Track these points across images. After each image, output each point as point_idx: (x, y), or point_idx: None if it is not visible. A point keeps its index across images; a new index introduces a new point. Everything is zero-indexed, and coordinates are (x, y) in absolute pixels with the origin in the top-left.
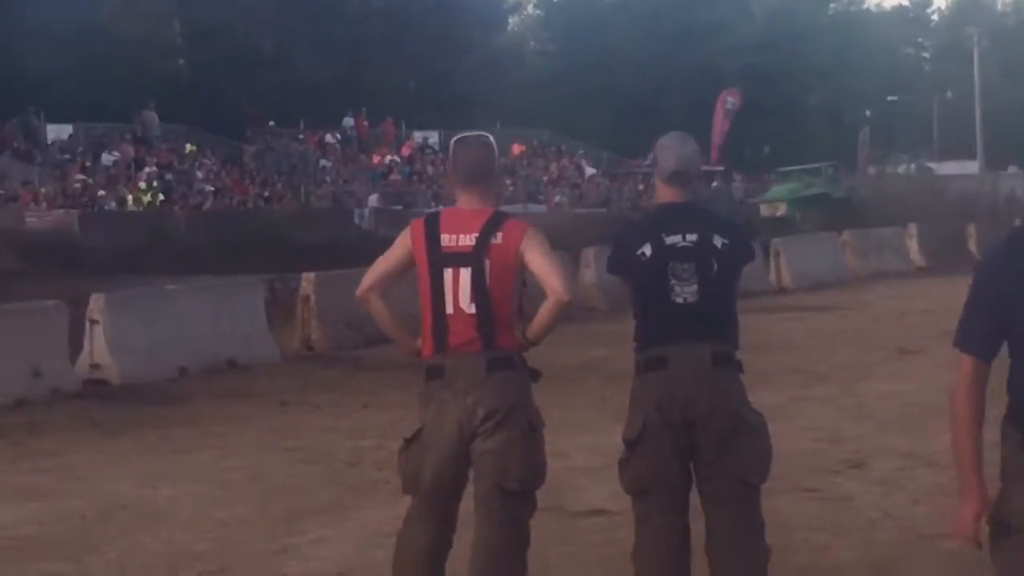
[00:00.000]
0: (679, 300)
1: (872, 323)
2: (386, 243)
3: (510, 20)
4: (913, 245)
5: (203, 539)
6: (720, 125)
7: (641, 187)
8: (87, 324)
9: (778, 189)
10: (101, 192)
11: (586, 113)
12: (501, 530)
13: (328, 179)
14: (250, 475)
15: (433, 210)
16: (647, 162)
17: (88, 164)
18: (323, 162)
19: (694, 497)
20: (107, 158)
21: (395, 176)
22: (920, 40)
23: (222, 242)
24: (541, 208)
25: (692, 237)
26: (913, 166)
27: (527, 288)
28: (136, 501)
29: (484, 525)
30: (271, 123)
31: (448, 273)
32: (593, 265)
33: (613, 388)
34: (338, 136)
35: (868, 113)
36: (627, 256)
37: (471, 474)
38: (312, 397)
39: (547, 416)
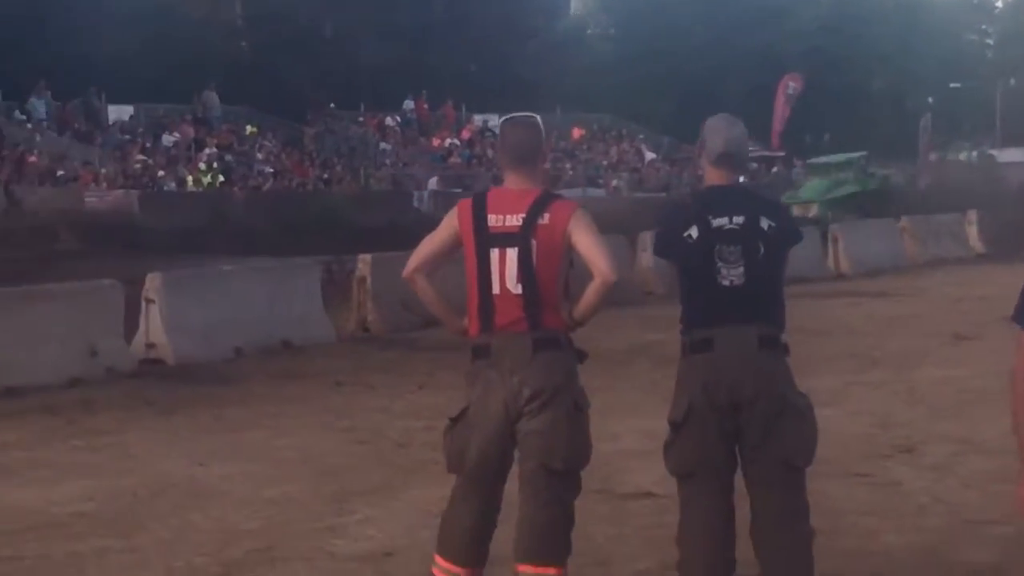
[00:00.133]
0: (725, 283)
1: (929, 309)
2: None
3: (572, 4)
4: (973, 232)
5: (252, 518)
6: (781, 111)
7: (701, 172)
8: (143, 303)
9: (809, 187)
10: (161, 173)
11: (647, 98)
12: (546, 510)
13: (388, 162)
14: (301, 455)
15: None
16: None
17: (148, 145)
18: (383, 145)
19: (739, 480)
20: (167, 139)
21: (455, 159)
22: (984, 27)
23: (281, 224)
24: (600, 192)
25: (739, 219)
26: (975, 153)
27: (574, 269)
28: (187, 479)
29: (529, 505)
30: (332, 105)
31: (495, 253)
32: (650, 249)
33: (665, 371)
34: (398, 119)
35: (930, 100)
36: (674, 238)
37: (516, 454)
38: (366, 378)
39: (598, 399)
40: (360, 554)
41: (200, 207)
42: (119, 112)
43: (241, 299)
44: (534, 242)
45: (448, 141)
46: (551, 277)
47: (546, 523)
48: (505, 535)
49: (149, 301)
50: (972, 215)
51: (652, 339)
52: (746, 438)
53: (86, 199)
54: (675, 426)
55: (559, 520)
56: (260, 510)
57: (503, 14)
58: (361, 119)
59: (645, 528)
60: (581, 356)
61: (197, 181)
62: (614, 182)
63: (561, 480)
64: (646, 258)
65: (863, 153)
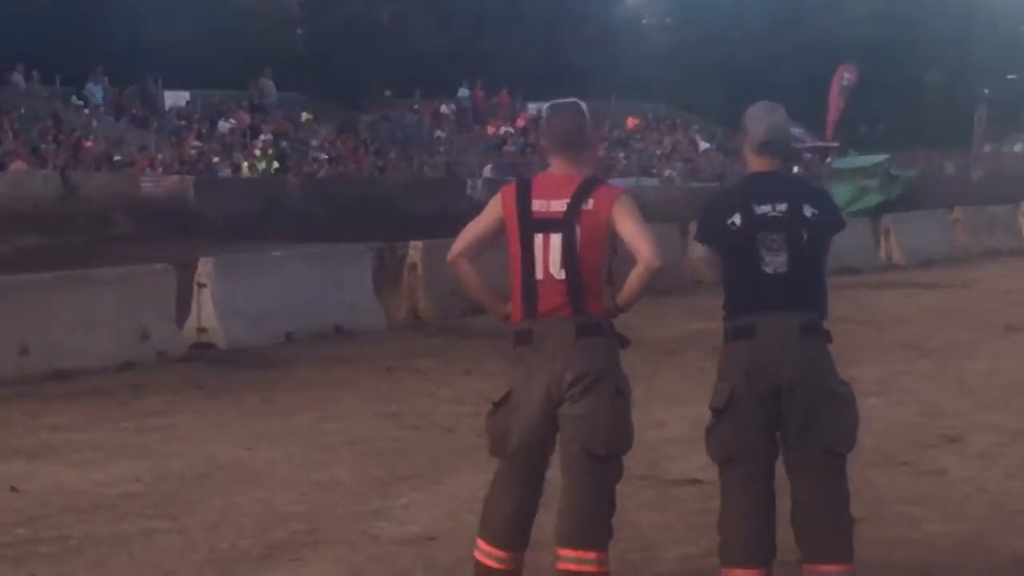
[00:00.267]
0: (768, 270)
1: (980, 300)
2: None
3: None
4: None
5: (297, 500)
6: (835, 101)
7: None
8: (195, 288)
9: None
10: (216, 159)
11: (701, 87)
12: (588, 495)
13: (442, 149)
14: (348, 438)
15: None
16: None
17: (204, 131)
18: (437, 132)
19: (781, 466)
20: (223, 125)
21: (509, 147)
22: None
23: (335, 210)
24: (654, 182)
25: (782, 207)
26: None
27: (617, 255)
28: (234, 462)
29: (571, 490)
30: (387, 93)
31: (538, 239)
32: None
33: (713, 360)
34: (453, 106)
35: (986, 91)
36: (717, 225)
37: (558, 439)
38: (415, 363)
39: (645, 386)
40: (403, 538)
41: (255, 193)
42: (175, 98)
43: (292, 284)
44: (578, 228)
45: (503, 129)
46: (594, 263)
47: (588, 508)
48: (547, 520)
49: (201, 286)
50: None
51: (700, 328)
52: (787, 425)
53: (142, 184)
54: (716, 412)
55: (601, 505)
56: (306, 493)
57: (558, 2)
58: (416, 106)
59: (689, 514)
60: (623, 342)
61: (252, 167)
62: (667, 172)
63: (603, 465)
64: (696, 247)
65: (887, 156)
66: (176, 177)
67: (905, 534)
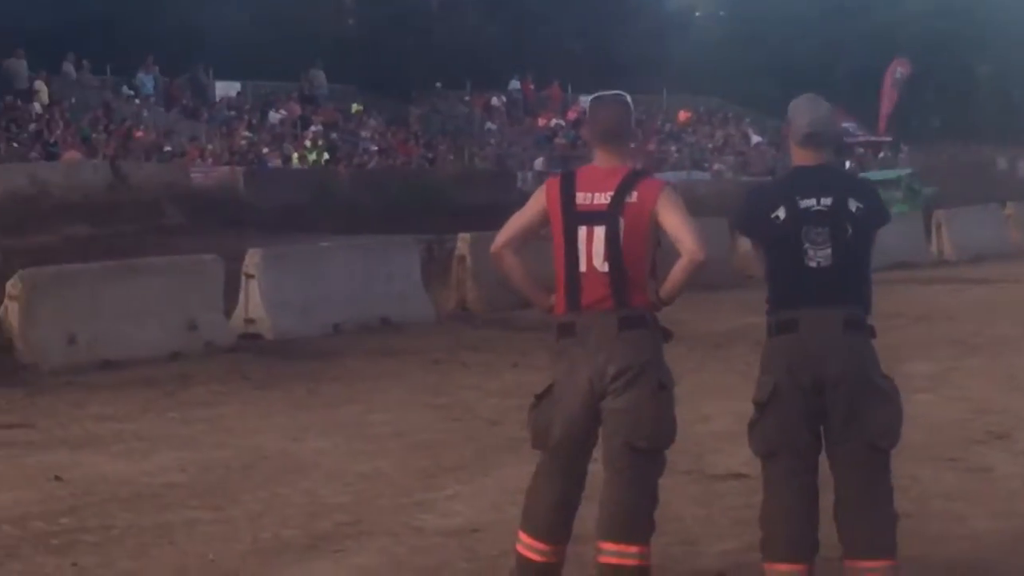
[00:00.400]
0: (812, 264)
1: None
2: None
3: None
4: None
5: (342, 491)
6: (889, 95)
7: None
8: (243, 279)
9: None
10: (266, 149)
11: (754, 80)
12: (630, 489)
13: (492, 141)
14: (394, 430)
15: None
16: None
17: (255, 122)
18: (488, 124)
19: (824, 461)
20: (274, 116)
21: (560, 140)
22: None
23: (385, 202)
24: (705, 175)
25: (827, 201)
26: None
27: (661, 248)
28: (279, 453)
29: (613, 483)
30: (438, 84)
31: (582, 231)
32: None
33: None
34: (504, 99)
35: None
36: (760, 218)
37: (600, 432)
38: (463, 356)
39: (692, 381)
40: (447, 529)
41: (304, 184)
42: (226, 88)
43: (340, 276)
44: (622, 220)
45: (553, 122)
46: (638, 255)
47: (630, 501)
48: (589, 513)
49: (249, 276)
50: None
51: (749, 322)
52: (830, 419)
53: (192, 175)
54: (759, 406)
55: (643, 499)
56: (350, 484)
57: None
58: (467, 98)
59: (734, 509)
60: (667, 335)
61: (302, 158)
62: (716, 165)
63: (645, 459)
64: (745, 241)
65: (910, 170)
66: (226, 168)
67: (950, 530)
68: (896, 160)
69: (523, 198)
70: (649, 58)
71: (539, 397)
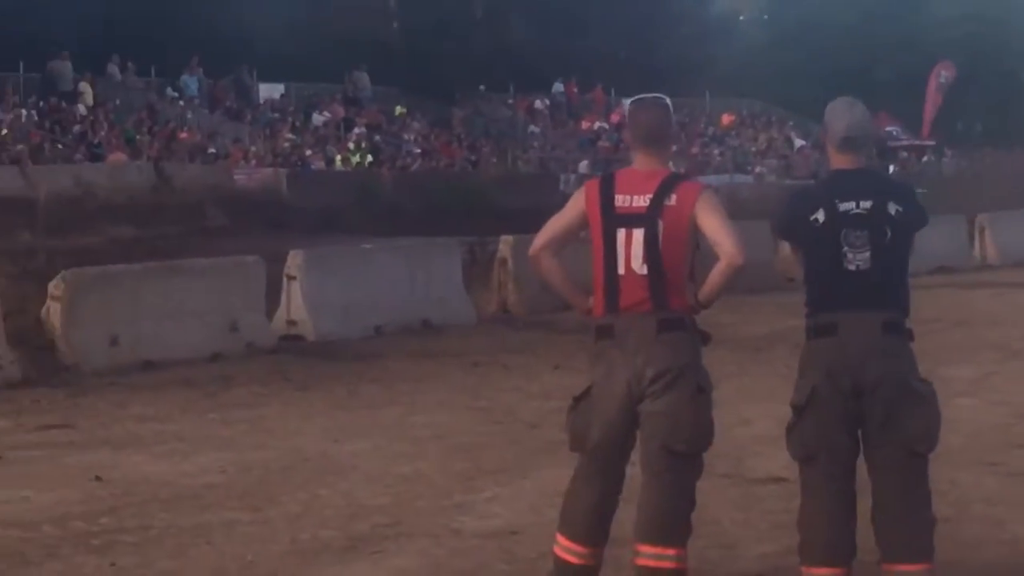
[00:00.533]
0: (851, 267)
1: None
2: None
3: None
4: None
5: (381, 493)
6: (932, 99)
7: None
8: (285, 280)
9: None
10: (309, 152)
11: (798, 83)
12: (667, 492)
13: (535, 144)
14: (434, 432)
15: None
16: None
17: (298, 124)
18: (531, 127)
19: (861, 465)
20: (317, 118)
21: (603, 142)
22: None
23: (427, 204)
24: (748, 179)
25: (866, 204)
26: None
27: (700, 251)
28: (319, 454)
29: (650, 486)
30: (481, 87)
31: (621, 234)
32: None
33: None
34: (547, 102)
35: None
36: (799, 222)
37: (638, 435)
38: (504, 358)
39: (733, 384)
40: (485, 532)
41: (347, 186)
42: (270, 90)
43: (382, 278)
44: (661, 223)
45: (596, 124)
46: (677, 258)
47: (667, 504)
48: (627, 515)
49: (291, 278)
50: None
51: (790, 325)
52: (868, 423)
53: (235, 176)
54: (798, 410)
55: (680, 502)
56: (389, 486)
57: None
58: (510, 101)
59: (773, 513)
60: (705, 338)
61: (346, 160)
62: (757, 169)
63: (683, 462)
64: (786, 245)
65: (922, 190)
66: (269, 170)
67: (989, 535)
68: (941, 164)
69: (566, 201)
70: (692, 61)
71: (577, 399)
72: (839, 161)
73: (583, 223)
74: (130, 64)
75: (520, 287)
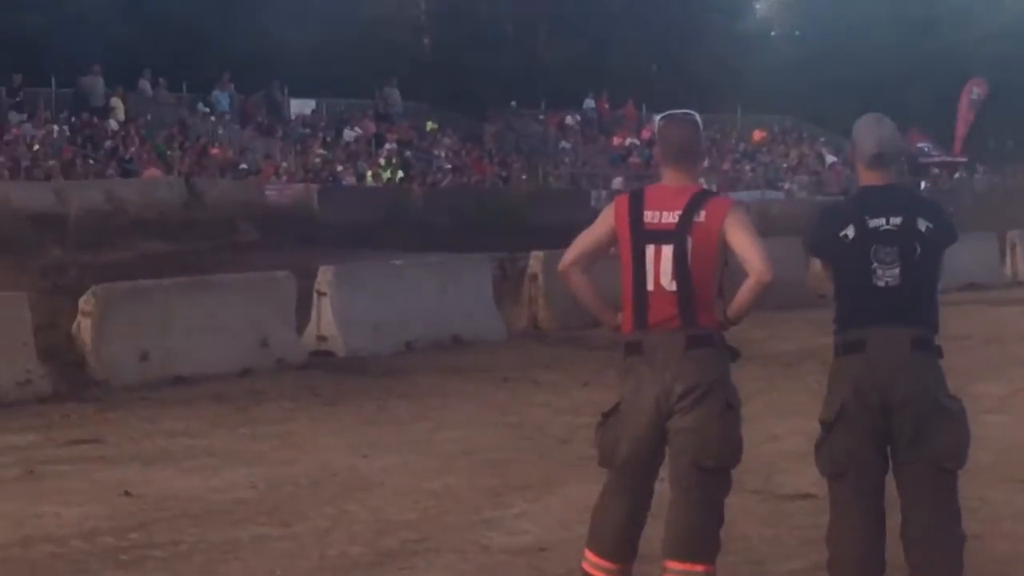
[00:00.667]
0: (881, 283)
1: None
2: None
3: (758, 6)
4: None
5: (410, 509)
6: (965, 116)
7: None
8: (315, 296)
9: None
10: (340, 167)
11: (829, 100)
12: (696, 508)
13: (567, 160)
14: (463, 448)
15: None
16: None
17: (329, 139)
18: (562, 143)
19: (890, 481)
20: (349, 134)
21: (634, 158)
22: None
23: (459, 220)
24: (779, 195)
25: (896, 220)
26: None
27: (728, 267)
28: (348, 470)
29: (679, 502)
30: (512, 103)
31: (650, 250)
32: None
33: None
34: (578, 117)
35: None
36: (829, 238)
37: (667, 451)
38: (534, 374)
39: (762, 400)
40: (514, 548)
41: (378, 202)
42: (301, 106)
43: (412, 293)
44: (690, 239)
45: (628, 140)
46: (706, 275)
47: (696, 521)
48: (655, 532)
49: (321, 294)
50: None
51: (821, 342)
52: (897, 440)
53: (266, 192)
54: (826, 426)
55: (709, 518)
56: (418, 501)
57: (685, 14)
58: (541, 117)
59: (801, 529)
60: (734, 354)
61: (377, 176)
62: (787, 185)
63: (712, 478)
64: (817, 261)
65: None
66: (300, 185)
67: (1020, 552)
68: (973, 181)
69: (596, 217)
70: (724, 77)
71: (606, 415)
72: (868, 178)
73: (612, 239)
74: (161, 80)
75: (550, 303)
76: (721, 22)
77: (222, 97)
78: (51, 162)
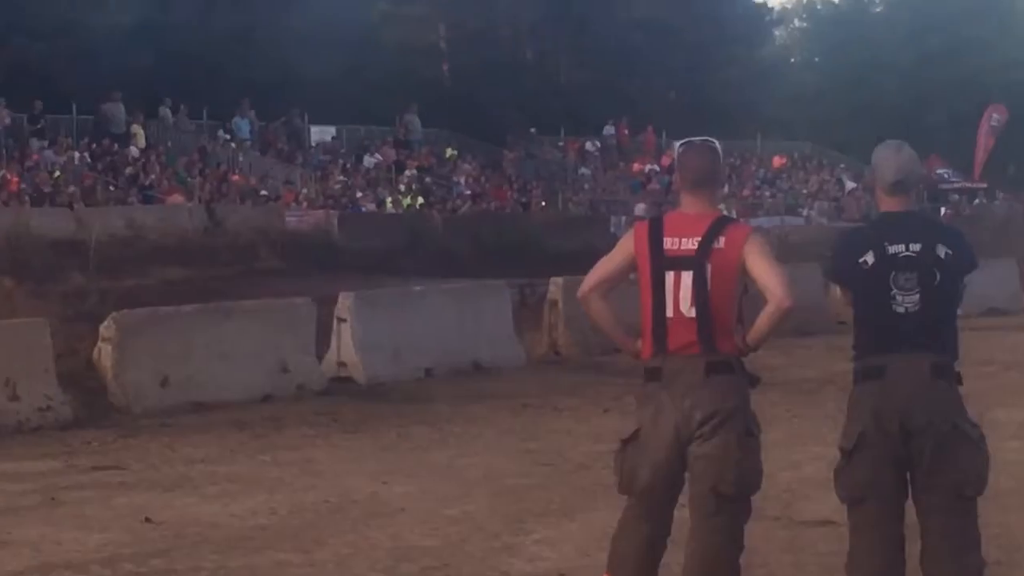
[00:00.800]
0: (900, 310)
1: None
2: None
3: (777, 33)
4: None
5: (430, 535)
6: (984, 141)
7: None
8: (335, 322)
9: None
10: (360, 194)
11: (848, 126)
12: (716, 535)
13: (586, 186)
14: (483, 474)
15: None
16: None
17: (349, 166)
18: (582, 169)
19: (910, 508)
20: (368, 160)
21: (654, 185)
22: None
23: (479, 246)
24: (799, 221)
25: (915, 247)
26: None
27: (748, 294)
28: (369, 496)
29: (699, 529)
30: (532, 130)
31: (670, 276)
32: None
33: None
34: (598, 144)
35: None
36: (848, 264)
37: (687, 477)
38: (554, 400)
39: (783, 427)
40: (534, 574)
41: (398, 229)
42: (321, 133)
43: (432, 320)
44: (709, 266)
45: (647, 167)
46: (725, 301)
47: (716, 547)
48: (675, 559)
49: (341, 320)
50: None
51: (841, 368)
52: (917, 466)
53: (286, 218)
54: (846, 452)
55: (729, 545)
56: (438, 528)
57: (703, 42)
58: (561, 143)
59: (822, 555)
60: (753, 381)
61: (396, 203)
62: (806, 211)
63: (731, 505)
64: (838, 287)
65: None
66: (320, 212)
67: None
68: (992, 207)
69: (616, 243)
70: (744, 104)
71: (625, 442)
72: (888, 204)
73: (632, 265)
74: (182, 106)
75: (570, 329)
76: (741, 49)
77: (243, 124)
78: (72, 188)
